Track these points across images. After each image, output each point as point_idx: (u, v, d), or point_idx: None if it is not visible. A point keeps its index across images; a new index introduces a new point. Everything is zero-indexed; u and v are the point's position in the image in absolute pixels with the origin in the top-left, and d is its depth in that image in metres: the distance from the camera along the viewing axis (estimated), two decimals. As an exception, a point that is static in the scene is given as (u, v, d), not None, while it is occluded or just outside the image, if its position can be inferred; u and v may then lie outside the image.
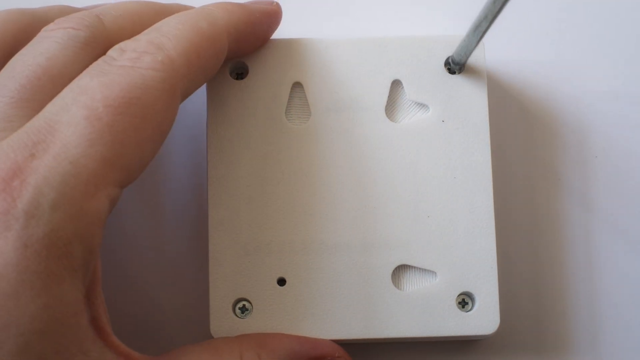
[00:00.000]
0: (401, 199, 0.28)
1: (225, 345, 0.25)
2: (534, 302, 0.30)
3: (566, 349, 0.30)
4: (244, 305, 0.27)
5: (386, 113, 0.29)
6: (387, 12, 0.32)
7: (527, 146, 0.31)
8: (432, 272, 0.28)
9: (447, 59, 0.29)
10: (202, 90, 0.29)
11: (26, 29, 0.26)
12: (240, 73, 0.29)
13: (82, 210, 0.21)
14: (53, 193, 0.20)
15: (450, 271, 0.27)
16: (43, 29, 0.24)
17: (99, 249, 0.22)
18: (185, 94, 0.25)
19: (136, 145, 0.22)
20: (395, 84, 0.29)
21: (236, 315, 0.27)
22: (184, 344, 0.25)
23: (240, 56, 0.28)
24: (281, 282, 0.28)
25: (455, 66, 0.28)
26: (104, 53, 0.24)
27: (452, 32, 0.31)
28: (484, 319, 0.27)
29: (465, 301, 0.28)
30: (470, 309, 0.27)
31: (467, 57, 0.28)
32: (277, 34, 0.29)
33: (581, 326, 0.30)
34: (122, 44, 0.24)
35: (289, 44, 0.29)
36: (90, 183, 0.21)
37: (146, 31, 0.25)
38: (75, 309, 0.21)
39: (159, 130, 0.23)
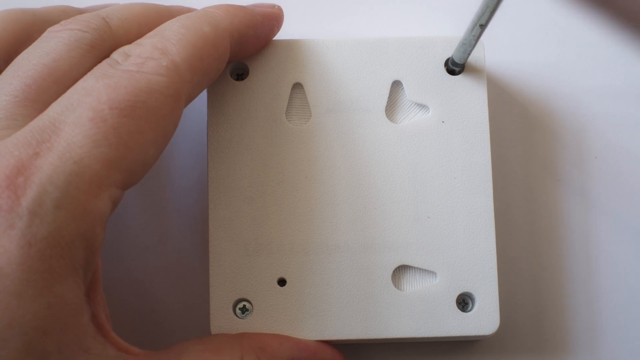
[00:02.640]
0: (401, 199, 0.28)
1: (227, 344, 0.25)
2: (533, 302, 0.30)
3: (566, 349, 0.30)
4: (244, 305, 0.27)
5: (386, 114, 0.29)
6: (387, 12, 0.32)
7: (526, 147, 0.31)
8: (432, 273, 0.28)
9: (447, 59, 0.29)
10: (203, 91, 0.29)
11: (27, 28, 0.26)
12: (241, 74, 0.29)
13: (85, 210, 0.21)
14: (57, 192, 0.20)
15: (450, 272, 0.28)
16: (48, 30, 0.24)
17: (100, 248, 0.22)
18: (189, 98, 0.25)
19: (140, 148, 0.22)
20: (395, 85, 0.29)
21: (236, 315, 0.27)
22: (184, 343, 0.25)
23: (241, 58, 0.28)
24: (281, 282, 0.28)
25: (455, 67, 0.28)
26: (109, 56, 0.24)
27: (452, 32, 0.32)
28: (483, 320, 0.27)
29: (465, 301, 0.28)
30: (470, 310, 0.27)
31: (467, 57, 0.28)
32: (278, 35, 0.29)
33: (581, 327, 0.30)
34: (126, 48, 0.24)
35: (289, 45, 0.29)
36: (93, 183, 0.21)
37: (149, 35, 0.25)
38: (77, 308, 0.21)
39: (162, 134, 0.23)
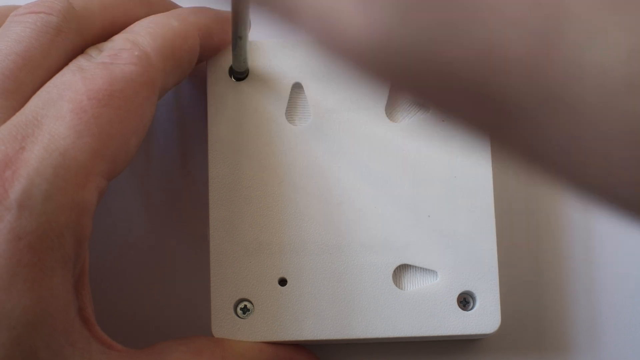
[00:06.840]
0: (402, 198, 0.28)
1: (207, 348, 0.26)
2: (534, 301, 0.30)
3: (566, 348, 0.30)
4: (245, 305, 0.27)
5: (386, 113, 0.29)
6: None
7: (527, 146, 0.31)
8: (433, 272, 0.28)
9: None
10: (203, 91, 0.29)
11: None
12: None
13: (74, 201, 0.21)
14: (45, 184, 0.21)
15: (451, 271, 0.27)
16: (13, 13, 0.25)
17: (88, 240, 0.22)
18: (163, 89, 0.25)
19: (121, 137, 0.23)
20: (395, 84, 0.29)
21: (237, 315, 0.27)
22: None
23: (215, 53, 0.28)
24: (282, 282, 0.28)
25: (239, 75, 0.28)
26: (77, 39, 0.24)
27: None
28: (484, 319, 0.27)
29: (466, 300, 0.28)
30: (471, 309, 0.27)
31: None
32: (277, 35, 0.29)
33: (581, 326, 0.30)
34: (99, 45, 0.25)
35: (289, 45, 0.29)
36: (80, 174, 0.21)
37: (120, 33, 0.25)
38: (65, 301, 0.21)
39: (141, 123, 0.24)
